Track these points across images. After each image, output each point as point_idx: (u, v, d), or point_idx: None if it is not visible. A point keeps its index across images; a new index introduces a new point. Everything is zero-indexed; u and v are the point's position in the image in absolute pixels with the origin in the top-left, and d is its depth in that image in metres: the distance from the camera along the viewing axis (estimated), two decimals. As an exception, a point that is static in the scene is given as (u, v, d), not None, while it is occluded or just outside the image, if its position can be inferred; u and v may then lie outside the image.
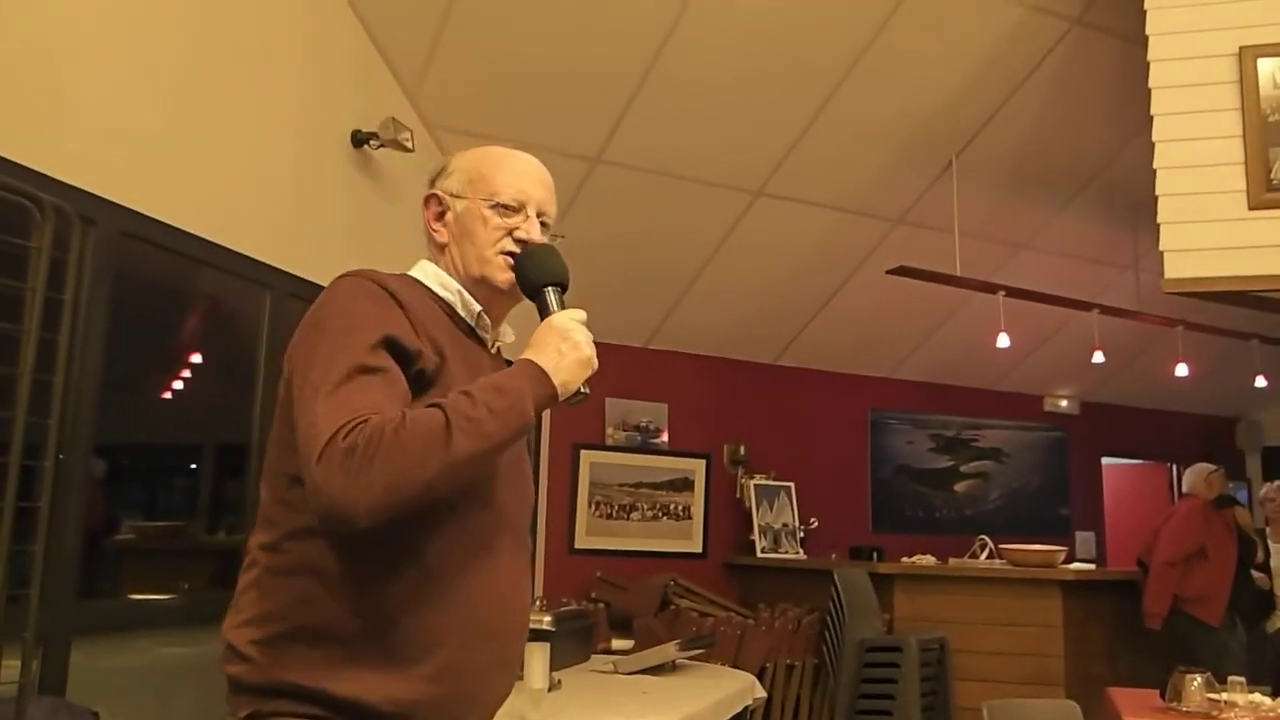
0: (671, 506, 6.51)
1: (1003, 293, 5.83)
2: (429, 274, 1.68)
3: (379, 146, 4.12)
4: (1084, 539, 8.11)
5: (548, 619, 3.80)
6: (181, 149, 3.23)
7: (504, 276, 1.65)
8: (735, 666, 4.84)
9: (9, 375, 2.22)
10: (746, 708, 3.96)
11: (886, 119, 5.22)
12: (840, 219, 5.81)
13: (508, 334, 1.76)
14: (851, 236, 5.96)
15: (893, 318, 6.75)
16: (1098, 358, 6.53)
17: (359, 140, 4.09)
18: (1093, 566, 6.59)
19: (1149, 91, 4.26)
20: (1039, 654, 5.35)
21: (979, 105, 5.27)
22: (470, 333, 1.67)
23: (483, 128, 4.70)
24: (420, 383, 1.50)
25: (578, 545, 6.14)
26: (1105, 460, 8.65)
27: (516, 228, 1.66)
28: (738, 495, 6.67)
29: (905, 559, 6.04)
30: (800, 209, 5.65)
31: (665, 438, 6.55)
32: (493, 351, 1.72)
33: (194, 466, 3.91)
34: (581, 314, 1.59)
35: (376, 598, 1.44)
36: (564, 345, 1.53)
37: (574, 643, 4.04)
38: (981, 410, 7.87)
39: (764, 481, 6.67)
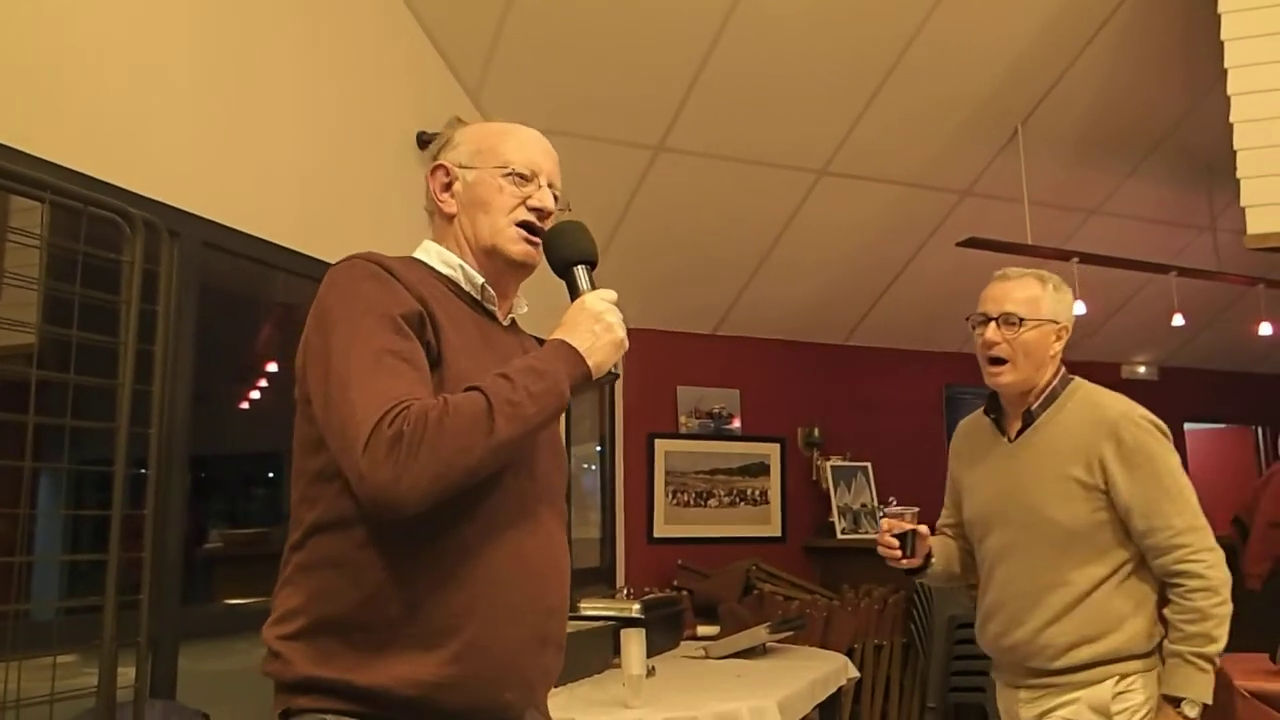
0: (748, 492, 6.49)
1: (1076, 259, 5.71)
2: (430, 252, 1.68)
3: (443, 147, 4.15)
4: (1171, 506, 7.92)
5: (637, 607, 3.82)
6: (251, 158, 3.28)
7: (517, 248, 1.63)
8: (823, 648, 4.82)
9: (110, 387, 2.27)
10: (839, 688, 3.94)
11: (949, 90, 5.13)
12: (906, 194, 5.73)
13: (521, 305, 1.74)
14: (918, 211, 5.89)
15: (963, 292, 6.50)
16: (1177, 320, 6.39)
17: (424, 142, 4.12)
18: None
19: (1220, 45, 4.16)
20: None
21: (1043, 71, 5.17)
22: (477, 305, 1.65)
23: (545, 122, 4.68)
24: (429, 356, 1.48)
25: (657, 534, 6.14)
26: (1188, 425, 8.44)
27: (529, 197, 1.65)
28: (814, 478, 6.62)
29: (989, 534, 5.94)
30: (865, 186, 5.59)
31: (738, 423, 6.53)
32: (505, 324, 1.69)
33: (272, 475, 3.99)
34: (613, 294, 1.59)
35: (395, 583, 1.42)
36: (597, 327, 1.53)
37: (664, 630, 4.05)
38: (1058, 381, 7.71)
39: (840, 463, 6.61)
